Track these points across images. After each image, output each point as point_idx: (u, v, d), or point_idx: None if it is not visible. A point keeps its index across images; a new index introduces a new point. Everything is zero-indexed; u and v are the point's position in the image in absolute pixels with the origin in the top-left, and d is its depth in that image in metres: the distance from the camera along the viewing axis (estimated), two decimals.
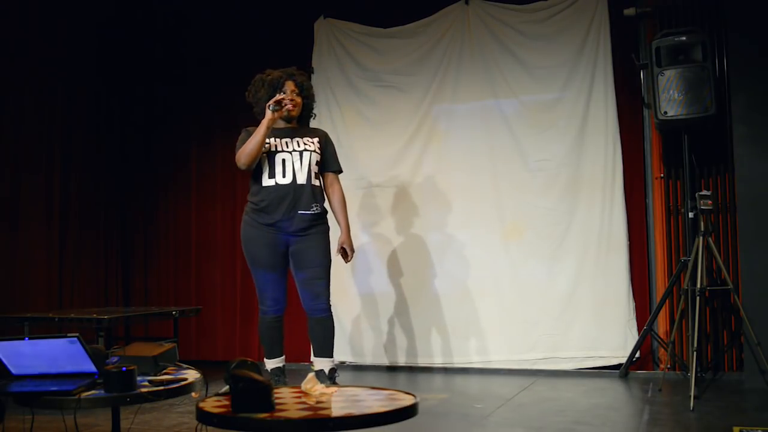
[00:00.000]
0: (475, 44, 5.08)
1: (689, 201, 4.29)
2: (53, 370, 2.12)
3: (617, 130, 4.76)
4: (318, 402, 1.96)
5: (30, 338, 2.12)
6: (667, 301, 4.45)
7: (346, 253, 3.84)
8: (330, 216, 3.81)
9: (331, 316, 3.73)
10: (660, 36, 4.31)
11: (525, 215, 4.89)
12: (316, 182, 3.73)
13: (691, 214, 4.28)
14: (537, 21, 4.97)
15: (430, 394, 4.07)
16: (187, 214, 5.83)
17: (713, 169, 4.52)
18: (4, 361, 2.13)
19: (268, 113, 3.57)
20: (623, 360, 4.52)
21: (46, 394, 1.95)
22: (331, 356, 3.72)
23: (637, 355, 4.53)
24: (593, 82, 4.81)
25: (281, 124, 3.73)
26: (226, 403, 1.91)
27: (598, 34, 4.81)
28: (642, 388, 4.13)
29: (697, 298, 3.86)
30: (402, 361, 5.10)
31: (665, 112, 4.19)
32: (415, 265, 5.13)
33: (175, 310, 4.68)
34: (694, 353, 3.73)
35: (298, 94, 3.76)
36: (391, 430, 2.00)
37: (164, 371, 2.27)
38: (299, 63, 4.40)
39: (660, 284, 4.63)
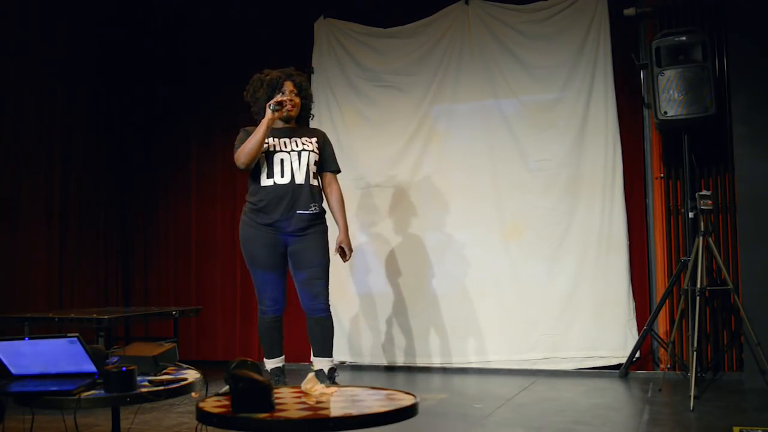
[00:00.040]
0: (475, 44, 5.08)
1: (689, 201, 4.29)
2: (53, 370, 2.12)
3: (617, 130, 4.76)
4: (318, 402, 1.96)
5: (30, 338, 2.12)
6: (667, 301, 4.45)
7: (344, 253, 3.85)
8: (328, 216, 3.81)
9: (330, 315, 3.73)
10: (660, 36, 4.31)
11: (525, 215, 4.89)
12: (315, 182, 3.73)
13: (691, 214, 4.28)
14: (537, 21, 4.97)
15: (429, 394, 4.07)
16: (187, 214, 5.83)
17: (713, 169, 4.52)
18: (4, 361, 2.13)
19: (269, 113, 3.57)
20: (623, 360, 4.52)
21: (46, 394, 1.95)
22: (331, 356, 3.73)
23: (637, 355, 4.53)
24: (593, 82, 4.81)
25: (279, 124, 3.73)
26: (226, 403, 1.91)
27: (598, 34, 4.81)
28: (642, 388, 4.13)
29: (697, 298, 3.86)
30: (400, 361, 5.10)
31: (665, 112, 4.19)
32: (415, 265, 5.13)
33: (175, 310, 4.68)
34: (694, 353, 3.73)
35: (296, 95, 3.77)
36: (391, 430, 2.00)
37: (164, 371, 2.26)
38: (299, 63, 4.41)
39: (660, 284, 4.63)
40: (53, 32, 5.30)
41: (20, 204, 4.96)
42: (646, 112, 4.72)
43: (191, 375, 2.22)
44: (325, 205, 3.81)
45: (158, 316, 4.65)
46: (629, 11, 4.70)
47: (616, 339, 4.63)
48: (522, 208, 4.90)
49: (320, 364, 3.68)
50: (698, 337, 3.78)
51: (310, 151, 3.71)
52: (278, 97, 3.64)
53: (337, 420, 1.77)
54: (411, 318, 5.10)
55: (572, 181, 4.82)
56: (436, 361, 5.00)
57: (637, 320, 4.62)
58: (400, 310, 5.14)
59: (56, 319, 4.22)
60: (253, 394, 1.81)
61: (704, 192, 4.06)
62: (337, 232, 3.85)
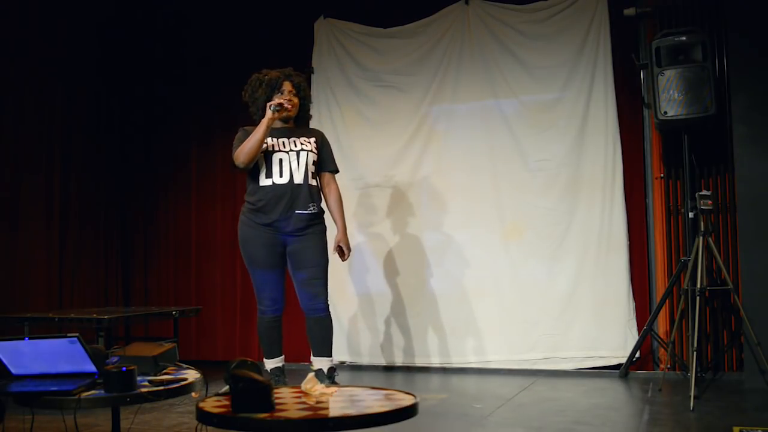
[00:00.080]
0: (475, 44, 5.08)
1: (689, 201, 4.29)
2: (53, 370, 2.12)
3: (617, 130, 4.76)
4: (318, 402, 1.96)
5: (30, 338, 2.12)
6: (667, 301, 4.45)
7: (342, 252, 3.85)
8: (327, 216, 3.82)
9: (330, 315, 3.74)
10: (660, 36, 4.31)
11: (525, 215, 4.89)
12: (313, 182, 3.74)
13: (691, 214, 4.28)
14: (537, 21, 4.97)
15: (428, 394, 4.07)
16: (187, 214, 5.83)
17: (713, 169, 4.52)
18: (4, 361, 2.13)
19: (269, 113, 3.58)
20: (623, 360, 4.52)
21: (46, 394, 1.95)
22: (330, 355, 3.73)
23: (637, 355, 4.53)
24: (593, 82, 4.81)
25: (278, 124, 3.74)
26: (226, 403, 1.91)
27: (598, 34, 4.81)
28: (642, 388, 4.13)
29: (697, 298, 3.85)
30: (399, 361, 5.10)
31: (665, 112, 4.19)
32: (415, 265, 5.12)
33: (175, 310, 4.68)
34: (694, 353, 3.73)
35: (295, 95, 3.78)
36: (391, 430, 2.00)
37: (164, 371, 2.27)
38: (299, 63, 4.41)
39: (660, 284, 4.63)
40: (53, 32, 5.30)
41: (20, 204, 4.96)
42: (646, 112, 4.72)
43: (191, 375, 2.22)
44: (323, 205, 3.81)
45: (158, 316, 4.65)
46: (629, 11, 4.70)
47: (616, 339, 4.63)
48: (522, 208, 4.90)
49: (320, 363, 3.68)
50: (698, 337, 3.78)
51: (308, 151, 3.71)
52: (279, 99, 3.64)
53: (337, 420, 1.77)
54: (411, 318, 5.10)
55: (572, 181, 4.82)
56: (436, 361, 5.00)
57: (637, 320, 4.62)
58: (400, 310, 5.14)
59: (56, 319, 4.22)
60: (253, 394, 1.81)
61: (704, 192, 4.06)
62: (336, 232, 3.85)
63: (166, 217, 5.89)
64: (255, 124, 3.69)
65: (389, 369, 5.08)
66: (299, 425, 1.76)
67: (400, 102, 5.25)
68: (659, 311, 4.45)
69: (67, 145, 5.39)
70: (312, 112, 4.00)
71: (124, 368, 1.99)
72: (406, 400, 1.97)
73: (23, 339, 2.12)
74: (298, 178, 3.66)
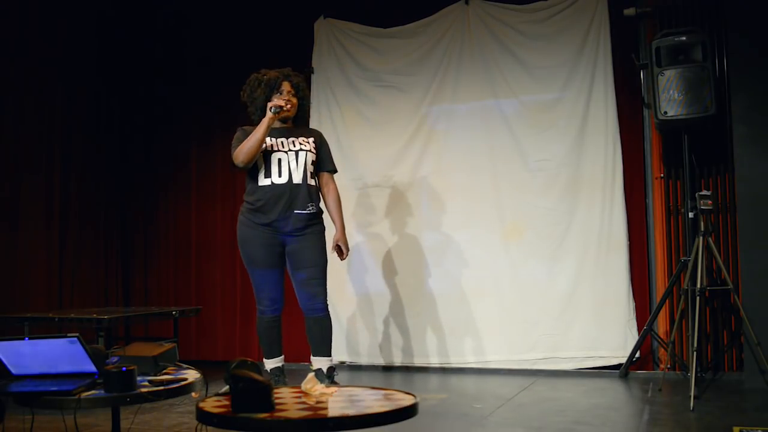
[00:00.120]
0: (475, 44, 5.08)
1: (689, 201, 4.29)
2: (53, 370, 2.12)
3: (617, 130, 4.76)
4: (318, 402, 1.96)
5: (30, 338, 2.12)
6: (667, 301, 4.45)
7: (341, 251, 3.85)
8: (325, 215, 3.82)
9: (329, 315, 3.74)
10: (660, 36, 4.31)
11: (525, 215, 4.89)
12: (312, 182, 3.74)
13: (691, 214, 4.28)
14: (537, 21, 4.97)
15: (428, 394, 4.07)
16: (187, 214, 5.83)
17: (713, 169, 4.52)
18: (4, 361, 2.13)
19: (269, 113, 3.58)
20: (623, 360, 4.52)
21: (46, 394, 1.95)
22: (330, 355, 3.73)
23: (637, 355, 4.53)
24: (593, 82, 4.81)
25: (277, 124, 3.74)
26: (226, 403, 1.91)
27: (598, 34, 4.81)
28: (642, 388, 4.13)
29: (697, 298, 3.85)
30: (398, 361, 5.10)
31: (665, 112, 4.19)
32: (415, 265, 5.12)
33: (175, 310, 4.68)
34: (694, 353, 3.73)
35: (294, 95, 3.78)
36: (391, 430, 2.00)
37: (164, 371, 2.27)
38: (299, 63, 4.41)
39: (660, 284, 4.63)
40: (53, 32, 5.30)
41: (20, 204, 4.96)
42: (646, 112, 4.72)
43: (191, 375, 2.22)
44: (322, 205, 3.81)
45: (158, 316, 4.65)
46: (629, 11, 4.70)
47: (616, 339, 4.63)
48: (522, 208, 4.90)
49: (319, 363, 3.69)
50: (698, 337, 3.78)
51: (307, 150, 3.72)
52: (278, 100, 3.65)
53: (337, 420, 1.77)
54: (410, 318, 5.10)
55: (572, 181, 4.82)
56: (435, 361, 5.00)
57: (637, 320, 4.62)
58: (398, 310, 5.14)
59: (56, 319, 4.22)
60: (253, 394, 1.81)
61: (704, 192, 4.06)
62: (334, 231, 3.85)
63: (166, 217, 5.89)
64: (253, 124, 3.69)
65: (388, 369, 5.08)
66: (299, 425, 1.75)
67: (400, 102, 5.25)
68: (659, 311, 4.45)
69: (67, 145, 5.39)
70: (312, 112, 4.01)
71: (124, 368, 1.99)
72: (406, 400, 1.97)
73: (23, 339, 2.12)
74: (297, 178, 3.66)
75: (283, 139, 3.72)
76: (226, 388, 1.98)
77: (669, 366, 4.36)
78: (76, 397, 1.92)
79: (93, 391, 1.98)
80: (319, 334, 3.71)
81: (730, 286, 4.04)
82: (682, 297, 4.08)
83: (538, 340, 4.78)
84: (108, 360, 2.21)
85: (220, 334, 5.63)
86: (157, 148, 5.94)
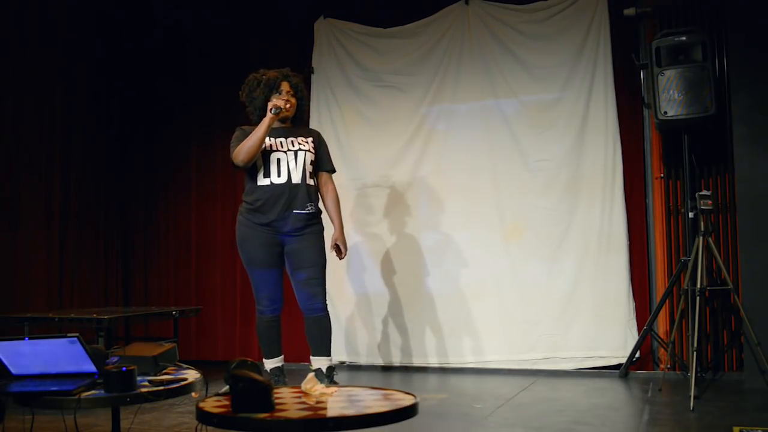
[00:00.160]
0: (475, 44, 5.08)
1: (689, 201, 4.29)
2: (53, 370, 2.12)
3: (617, 130, 4.76)
4: (318, 402, 1.96)
5: (30, 338, 2.12)
6: (667, 301, 4.45)
7: (339, 250, 3.86)
8: (324, 215, 3.82)
9: (328, 315, 3.74)
10: (660, 36, 4.31)
11: (525, 215, 4.89)
12: (311, 182, 3.74)
13: (691, 214, 4.28)
14: (537, 21, 4.97)
15: (428, 394, 4.07)
16: (187, 214, 5.83)
17: (713, 169, 4.52)
18: (4, 361, 2.13)
19: (270, 113, 3.58)
20: (623, 360, 4.52)
21: (46, 394, 1.95)
22: (329, 355, 3.73)
23: (637, 355, 4.53)
24: (593, 82, 4.81)
25: (276, 124, 3.74)
26: (226, 403, 1.91)
27: (598, 34, 4.81)
28: (642, 388, 4.13)
29: (697, 298, 3.86)
30: (397, 361, 5.10)
31: (665, 112, 4.19)
32: (415, 265, 5.12)
33: (175, 310, 4.68)
34: (694, 353, 3.73)
35: (293, 95, 3.78)
36: (391, 430, 2.00)
37: (164, 371, 2.27)
38: (299, 63, 4.42)
39: (660, 284, 4.63)
40: (53, 32, 5.30)
41: (20, 204, 4.96)
42: (646, 112, 4.72)
43: (191, 375, 2.22)
44: (321, 204, 3.82)
45: (158, 316, 4.65)
46: (629, 11, 4.70)
47: (616, 339, 4.63)
48: (522, 208, 4.90)
49: (319, 363, 3.69)
50: (698, 337, 3.78)
51: (306, 150, 3.72)
52: (277, 101, 3.65)
53: (337, 420, 1.77)
54: (409, 318, 5.10)
55: (572, 181, 4.82)
56: (434, 361, 5.00)
57: (637, 320, 4.62)
58: (397, 310, 5.14)
59: (56, 319, 4.22)
60: (253, 394, 1.81)
61: (704, 192, 4.06)
62: (333, 231, 3.86)
63: (166, 217, 5.89)
64: (252, 123, 3.70)
65: (387, 369, 5.08)
66: (299, 425, 1.76)
67: (400, 102, 5.25)
68: (659, 311, 4.45)
69: (67, 145, 5.39)
70: (312, 112, 4.01)
71: (124, 368, 1.99)
72: (405, 400, 1.97)
73: (23, 339, 2.12)
74: (296, 178, 3.66)
75: (282, 139, 3.72)
76: (226, 388, 1.98)
77: (669, 366, 4.36)
78: (76, 397, 1.92)
79: (93, 391, 1.98)
80: (318, 334, 3.71)
81: (730, 286, 4.04)
82: (682, 297, 4.08)
83: (538, 340, 4.78)
84: (108, 360, 2.21)
85: (220, 334, 5.63)
86: (157, 147, 5.94)
